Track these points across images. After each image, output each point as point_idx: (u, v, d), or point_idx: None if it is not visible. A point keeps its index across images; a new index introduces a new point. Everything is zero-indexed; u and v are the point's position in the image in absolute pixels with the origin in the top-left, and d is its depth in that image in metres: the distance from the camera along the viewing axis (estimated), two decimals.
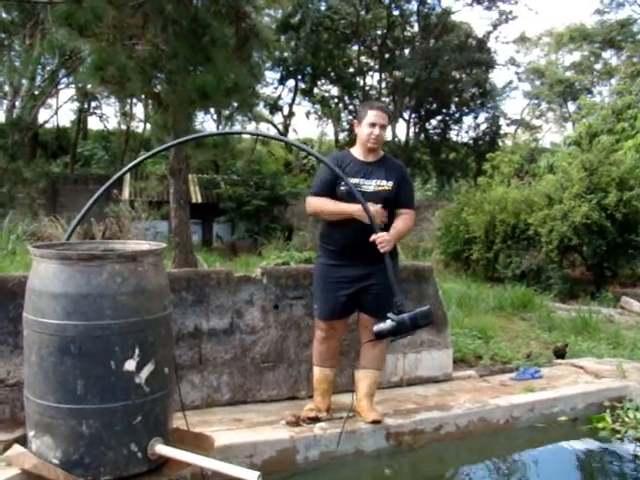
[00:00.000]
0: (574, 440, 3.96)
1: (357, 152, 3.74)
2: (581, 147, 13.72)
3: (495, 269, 11.59)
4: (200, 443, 2.83)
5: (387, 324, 3.33)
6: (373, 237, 3.40)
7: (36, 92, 18.57)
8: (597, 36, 30.94)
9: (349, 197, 3.50)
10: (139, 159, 3.73)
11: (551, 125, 38.35)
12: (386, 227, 3.51)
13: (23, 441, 2.68)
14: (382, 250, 3.39)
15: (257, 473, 2.39)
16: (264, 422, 3.60)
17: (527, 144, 25.07)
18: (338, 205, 3.56)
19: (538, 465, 3.68)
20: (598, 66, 33.17)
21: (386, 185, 3.60)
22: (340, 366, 3.97)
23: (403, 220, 3.65)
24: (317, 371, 3.72)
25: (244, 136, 25.06)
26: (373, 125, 3.62)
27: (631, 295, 9.85)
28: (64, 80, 20.44)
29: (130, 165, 3.65)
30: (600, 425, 4.02)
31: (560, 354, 5.56)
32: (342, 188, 3.56)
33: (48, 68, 18.86)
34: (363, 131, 3.65)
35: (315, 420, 3.57)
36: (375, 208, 3.46)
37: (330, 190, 3.60)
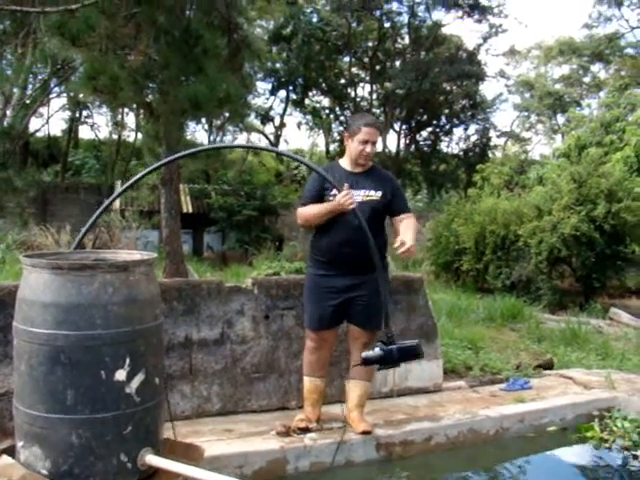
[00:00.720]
0: (563, 449, 3.98)
1: (345, 163, 3.76)
2: (570, 159, 13.84)
3: (485, 280, 11.63)
4: (190, 453, 2.82)
5: (375, 352, 3.34)
6: (399, 245, 3.39)
7: (27, 101, 18.53)
8: (586, 50, 31.25)
9: None
10: (143, 172, 3.66)
11: (540, 137, 38.61)
12: (375, 236, 3.50)
13: (11, 452, 2.66)
14: (409, 254, 3.40)
15: None
16: (254, 432, 3.60)
17: (517, 156, 25.17)
18: (319, 206, 3.59)
19: (528, 475, 3.69)
20: (587, 79, 33.49)
21: (374, 195, 3.62)
22: (330, 377, 3.98)
23: (408, 223, 3.65)
24: (307, 381, 3.73)
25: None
26: (365, 142, 3.63)
27: (619, 306, 9.91)
28: (56, 89, 20.42)
29: (134, 179, 3.62)
30: (589, 434, 4.04)
31: (546, 368, 5.57)
32: (330, 198, 3.58)
33: (40, 77, 18.85)
34: (354, 147, 3.66)
35: (305, 430, 3.58)
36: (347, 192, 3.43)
37: (318, 200, 3.62)
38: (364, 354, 3.38)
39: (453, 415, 4.03)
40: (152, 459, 2.60)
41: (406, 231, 3.57)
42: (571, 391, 4.72)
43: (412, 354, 3.37)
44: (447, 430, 3.87)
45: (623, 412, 4.27)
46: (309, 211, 3.66)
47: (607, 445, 3.91)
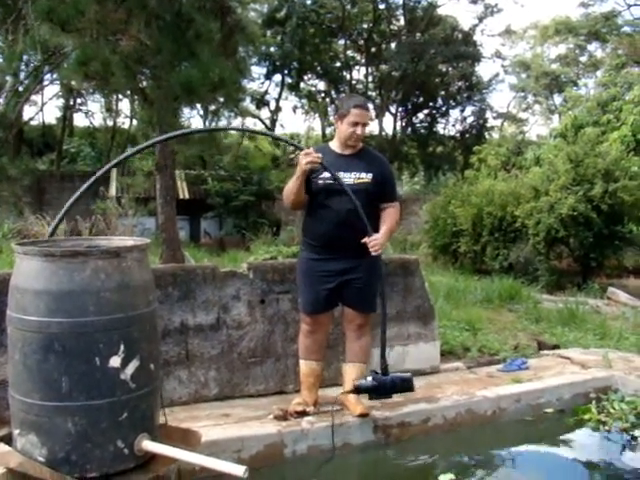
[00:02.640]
0: (561, 431, 3.98)
1: (335, 145, 3.72)
2: (567, 139, 13.79)
3: (483, 261, 11.64)
4: (187, 439, 2.82)
5: (368, 381, 3.41)
6: (365, 240, 3.40)
7: (20, 88, 18.38)
8: (582, 29, 31.08)
9: (326, 191, 3.51)
10: (122, 156, 3.67)
11: (537, 118, 38.66)
12: (368, 218, 3.50)
13: (8, 439, 2.66)
14: (374, 253, 3.40)
15: (244, 467, 2.39)
16: (252, 417, 3.60)
17: (514, 137, 25.12)
18: (293, 178, 3.55)
19: (525, 457, 3.69)
20: (583, 58, 33.33)
21: (365, 177, 3.58)
22: (327, 360, 3.98)
23: (390, 216, 3.65)
24: (303, 365, 3.72)
25: (231, 131, 25.04)
26: (355, 124, 3.58)
27: (617, 286, 9.93)
28: (48, 77, 20.26)
29: (113, 162, 3.61)
30: (586, 417, 4.03)
31: (544, 348, 5.57)
32: (320, 182, 3.55)
33: (32, 64, 18.69)
34: (344, 129, 3.61)
35: (303, 414, 3.58)
36: (308, 152, 3.41)
37: (305, 184, 3.58)
38: (357, 382, 3.46)
39: (450, 396, 4.04)
40: (149, 445, 2.60)
41: (383, 224, 3.59)
42: (568, 371, 4.72)
43: (404, 386, 3.45)
44: (444, 411, 3.87)
45: (620, 393, 4.27)
46: (287, 188, 3.62)
47: (606, 428, 3.90)
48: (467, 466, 3.50)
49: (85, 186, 3.15)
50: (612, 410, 4.06)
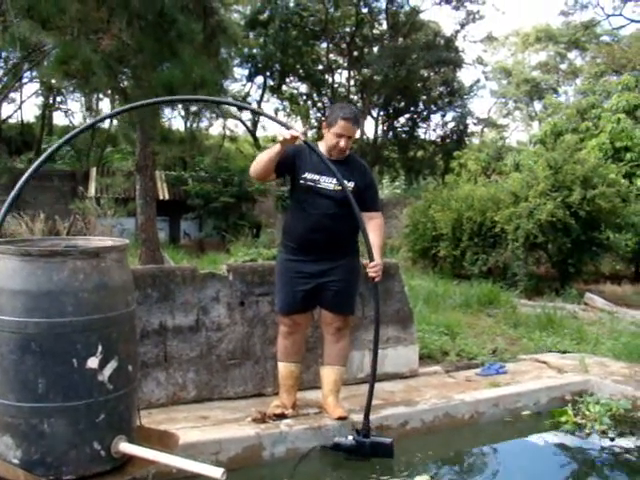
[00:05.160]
0: (539, 434, 4.02)
1: (322, 148, 3.71)
2: (546, 146, 13.90)
3: (462, 266, 11.67)
4: (165, 441, 2.80)
5: (347, 441, 3.39)
6: (366, 263, 3.46)
7: None
8: (562, 37, 31.51)
9: (307, 192, 3.52)
10: (75, 131, 3.52)
11: (517, 124, 38.88)
12: (346, 224, 3.54)
13: None
14: (376, 280, 3.44)
15: (221, 470, 2.38)
16: (230, 419, 3.60)
17: (494, 142, 25.26)
18: (268, 149, 3.51)
19: (503, 459, 3.71)
20: (563, 66, 33.80)
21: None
22: (306, 362, 3.98)
23: (376, 230, 3.61)
24: (282, 367, 3.72)
25: (212, 133, 24.96)
26: (340, 136, 3.58)
27: (594, 292, 10.02)
28: (28, 74, 20.06)
29: (61, 141, 3.45)
30: (562, 419, 4.07)
31: None
32: (302, 182, 3.56)
33: (12, 61, 18.49)
34: (330, 138, 3.61)
35: (281, 417, 3.57)
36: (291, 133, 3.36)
37: (284, 168, 3.57)
38: (336, 439, 3.43)
39: (429, 400, 4.05)
40: (126, 447, 2.58)
41: (373, 242, 3.48)
42: (545, 375, 4.77)
43: (383, 452, 3.40)
44: (423, 415, 3.88)
45: (595, 396, 4.32)
46: (258, 159, 3.54)
47: (587, 431, 3.94)
48: (442, 467, 3.51)
49: (33, 167, 3.07)
50: (587, 412, 4.11)
